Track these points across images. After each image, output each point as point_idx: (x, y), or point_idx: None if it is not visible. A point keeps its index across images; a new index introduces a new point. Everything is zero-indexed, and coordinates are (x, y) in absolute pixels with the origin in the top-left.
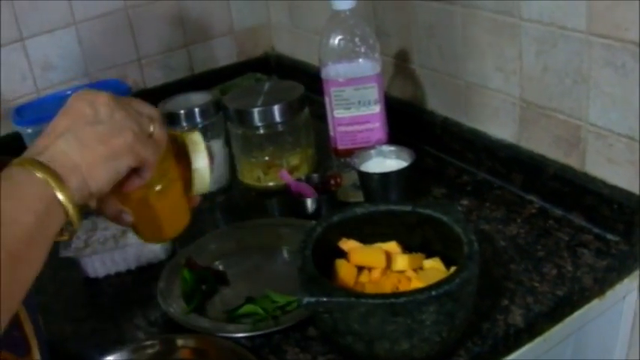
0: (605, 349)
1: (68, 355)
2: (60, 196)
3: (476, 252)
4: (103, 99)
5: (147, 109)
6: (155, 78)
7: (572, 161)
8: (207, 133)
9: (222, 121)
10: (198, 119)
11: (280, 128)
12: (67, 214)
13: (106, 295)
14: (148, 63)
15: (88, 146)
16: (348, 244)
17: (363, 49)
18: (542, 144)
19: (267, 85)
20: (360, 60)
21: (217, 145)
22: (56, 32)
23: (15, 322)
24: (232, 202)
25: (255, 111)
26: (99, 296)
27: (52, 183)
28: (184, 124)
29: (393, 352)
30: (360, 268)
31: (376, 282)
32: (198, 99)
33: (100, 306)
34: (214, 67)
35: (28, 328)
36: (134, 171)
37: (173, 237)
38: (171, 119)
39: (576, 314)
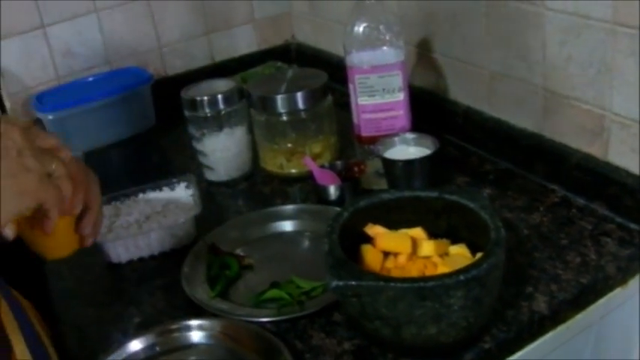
0: (627, 338)
1: (91, 339)
2: None
3: (503, 238)
4: (13, 133)
5: (50, 142)
6: (176, 66)
7: (595, 150)
8: (230, 120)
9: (246, 108)
10: (222, 106)
11: (303, 115)
12: None
13: (129, 280)
14: (168, 51)
15: None
16: (374, 230)
17: (387, 37)
18: (565, 133)
19: (290, 73)
20: (385, 48)
21: (240, 131)
22: (77, 20)
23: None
24: (255, 189)
25: (279, 98)
26: (122, 281)
27: None
28: (207, 110)
29: (420, 337)
30: (386, 254)
31: (402, 267)
32: (221, 86)
33: (124, 291)
34: (235, 55)
35: (10, 327)
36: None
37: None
38: (193, 106)
39: (599, 302)
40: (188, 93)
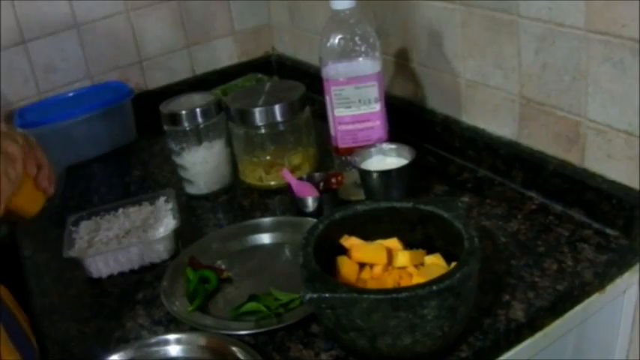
0: (606, 344)
1: (73, 354)
2: None
3: (477, 247)
4: None
5: (11, 147)
6: (157, 79)
7: (572, 157)
8: (208, 133)
9: (224, 122)
10: (200, 119)
11: (282, 128)
12: None
13: (109, 295)
14: (149, 65)
15: None
16: (349, 241)
17: (363, 48)
18: (542, 140)
19: (268, 85)
20: (361, 59)
21: (219, 145)
22: (58, 35)
23: None
24: (235, 202)
25: (257, 111)
26: (103, 296)
27: None
28: (186, 124)
29: (396, 347)
30: (362, 265)
31: (378, 278)
32: (199, 99)
33: (104, 306)
34: (216, 67)
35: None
36: None
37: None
38: (172, 120)
39: (577, 309)
40: (167, 107)
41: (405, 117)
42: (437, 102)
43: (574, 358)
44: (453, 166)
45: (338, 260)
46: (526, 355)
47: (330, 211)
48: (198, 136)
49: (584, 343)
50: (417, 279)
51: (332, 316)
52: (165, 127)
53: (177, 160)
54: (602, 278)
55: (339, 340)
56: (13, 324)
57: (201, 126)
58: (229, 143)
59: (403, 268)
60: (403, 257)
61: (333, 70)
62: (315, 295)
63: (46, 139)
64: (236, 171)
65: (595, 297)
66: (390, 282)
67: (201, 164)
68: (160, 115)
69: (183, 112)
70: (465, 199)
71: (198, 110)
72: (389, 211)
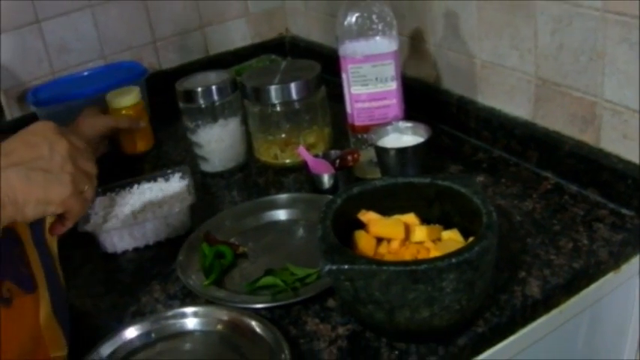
0: (620, 323)
1: (89, 328)
2: None
3: (495, 222)
4: (62, 147)
5: (89, 166)
6: (170, 60)
7: (588, 138)
8: (224, 111)
9: (239, 100)
10: (215, 97)
11: (297, 106)
12: None
13: (125, 270)
14: (163, 45)
15: (32, 187)
16: (367, 216)
17: (380, 27)
18: (557, 121)
19: (283, 64)
20: (378, 37)
21: (234, 123)
22: (72, 15)
23: (22, 259)
24: (249, 180)
25: (272, 89)
26: (118, 271)
27: None
28: (201, 101)
29: (414, 321)
30: (379, 240)
31: (395, 253)
32: (215, 77)
33: (120, 281)
34: (229, 48)
35: (37, 269)
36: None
37: None
38: (188, 98)
39: (592, 287)
40: (182, 85)
41: (420, 98)
42: (452, 83)
43: (588, 336)
44: (467, 147)
45: (355, 235)
46: (541, 332)
47: (348, 186)
48: (214, 114)
49: (598, 321)
50: (435, 254)
51: (350, 289)
52: (181, 105)
53: (192, 137)
54: (618, 257)
55: (357, 313)
56: (26, 276)
57: (217, 104)
58: (244, 121)
59: (420, 243)
60: (420, 232)
61: (349, 49)
62: (334, 267)
63: (59, 118)
64: (251, 149)
65: (610, 276)
66: (407, 257)
67: (216, 142)
68: (173, 95)
69: (199, 89)
70: (480, 178)
71: (213, 88)
72: (406, 186)
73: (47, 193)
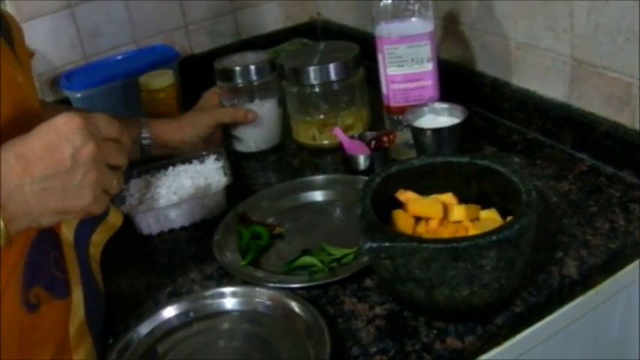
0: None
1: (126, 309)
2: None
3: (534, 200)
4: (86, 152)
5: (119, 160)
6: (202, 44)
7: (624, 119)
8: (260, 91)
9: (277, 80)
10: (254, 77)
11: (336, 87)
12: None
13: (160, 251)
14: (195, 29)
15: (49, 199)
16: (405, 195)
17: (416, 7)
18: (593, 102)
19: (322, 45)
20: (413, 19)
21: (271, 103)
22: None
23: (58, 264)
24: (284, 161)
25: (311, 69)
26: (154, 253)
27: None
28: (239, 80)
29: (453, 299)
30: (418, 219)
31: (434, 232)
32: (253, 57)
33: (155, 262)
34: (261, 32)
35: (73, 273)
36: None
37: None
38: (226, 76)
39: (628, 268)
40: (221, 63)
41: (454, 80)
42: (486, 64)
43: (624, 317)
44: (502, 128)
45: (394, 214)
46: (578, 312)
47: (387, 166)
48: (251, 93)
49: (634, 303)
50: (473, 233)
51: (390, 267)
52: (219, 83)
53: None
54: None
55: (396, 292)
56: (60, 281)
57: (255, 83)
58: (281, 102)
59: (459, 222)
60: (459, 211)
61: (385, 30)
62: (374, 244)
63: (92, 102)
64: (287, 130)
65: None
66: (445, 236)
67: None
68: (205, 78)
69: (237, 68)
70: (516, 160)
71: (252, 67)
72: (444, 165)
73: (65, 204)
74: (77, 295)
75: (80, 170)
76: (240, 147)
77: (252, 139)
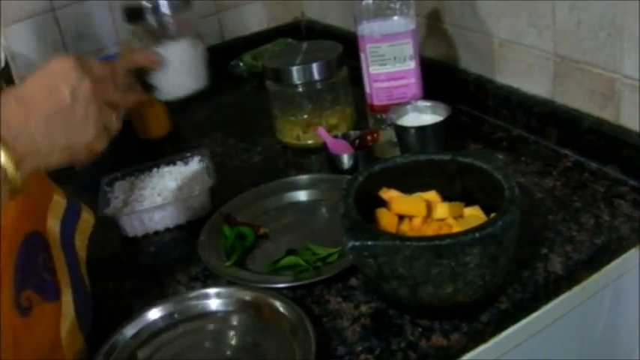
0: None
1: (111, 311)
2: (10, 171)
3: (517, 197)
4: (85, 88)
5: (115, 96)
6: None
7: (607, 114)
8: (172, 32)
9: (195, 18)
10: (164, 14)
11: (319, 86)
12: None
13: (146, 253)
14: None
15: (55, 137)
16: (388, 194)
17: (397, 6)
18: (576, 98)
19: (305, 45)
20: (395, 17)
21: (184, 44)
22: (87, 1)
23: (47, 266)
24: (269, 161)
25: (294, 69)
26: (139, 255)
27: (9, 163)
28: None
29: (437, 296)
30: (401, 217)
31: (417, 230)
32: None
33: (141, 264)
34: (245, 33)
35: (62, 275)
36: None
37: None
38: (133, 16)
39: (614, 263)
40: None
41: (438, 78)
42: (470, 62)
43: (611, 313)
44: (486, 126)
45: (377, 212)
46: (564, 309)
47: (370, 164)
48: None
49: (621, 299)
50: (457, 231)
51: (374, 265)
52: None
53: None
54: (639, 233)
55: (380, 290)
56: (50, 284)
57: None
58: (198, 42)
59: (442, 220)
60: (442, 209)
61: (367, 28)
62: (357, 243)
63: None
64: (273, 131)
65: (632, 252)
66: (429, 234)
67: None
68: None
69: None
70: (500, 157)
71: (162, 3)
72: (428, 163)
73: (70, 140)
74: (67, 297)
75: (80, 106)
76: (160, 96)
77: (170, 84)
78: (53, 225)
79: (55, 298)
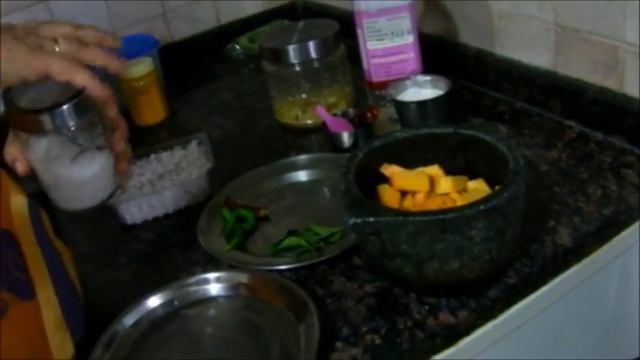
0: None
1: (111, 300)
2: None
3: (522, 167)
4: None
5: (80, 75)
6: (182, 31)
7: (611, 83)
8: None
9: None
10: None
11: (316, 65)
12: None
13: (145, 240)
14: (173, 16)
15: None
16: (390, 170)
17: None
18: (579, 68)
19: (301, 24)
20: None
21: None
22: None
23: (17, 263)
24: (269, 143)
25: (291, 48)
26: (138, 242)
27: None
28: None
29: (443, 272)
30: (404, 193)
31: (421, 205)
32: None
33: (141, 251)
34: (241, 16)
35: (38, 272)
36: None
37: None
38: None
39: (623, 234)
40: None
41: (438, 53)
42: (469, 36)
43: (621, 285)
44: (488, 100)
45: (379, 189)
46: (574, 282)
47: (370, 140)
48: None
49: (631, 270)
50: (461, 204)
51: (377, 242)
52: None
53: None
54: None
55: (384, 268)
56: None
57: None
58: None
59: (446, 194)
60: (446, 183)
61: (364, 4)
62: (359, 220)
63: None
64: (272, 112)
65: None
66: (433, 208)
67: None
68: (186, 65)
69: None
70: (503, 130)
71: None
72: (429, 137)
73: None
74: (48, 293)
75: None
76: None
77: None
78: (22, 221)
79: (29, 295)
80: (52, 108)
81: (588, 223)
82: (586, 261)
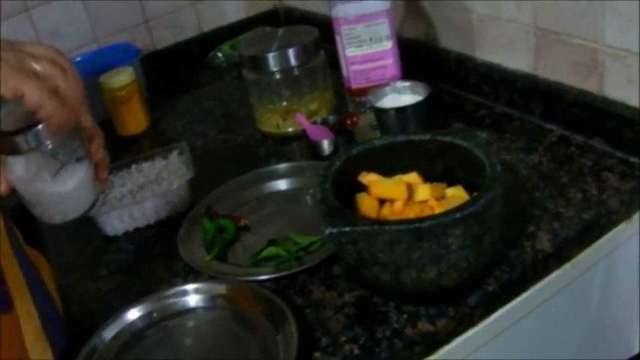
0: (636, 276)
1: (92, 312)
2: None
3: (499, 173)
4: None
5: (35, 50)
6: (164, 39)
7: (591, 86)
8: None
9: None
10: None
11: (297, 72)
12: None
13: (126, 251)
14: (155, 24)
15: None
16: (368, 178)
17: None
18: (559, 71)
19: (280, 31)
20: None
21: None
22: (62, 0)
23: None
24: (250, 151)
25: (270, 56)
26: (120, 253)
27: None
28: None
29: (421, 281)
30: (382, 201)
31: (399, 213)
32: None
33: (122, 262)
34: (223, 23)
35: (16, 284)
36: None
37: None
38: None
39: (604, 238)
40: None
41: (418, 58)
42: (449, 40)
43: (603, 290)
44: (469, 104)
45: (357, 197)
46: (555, 287)
47: (347, 148)
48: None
49: (613, 275)
50: (439, 212)
51: (354, 252)
52: None
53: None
54: (629, 206)
55: (362, 277)
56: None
57: None
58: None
59: (424, 202)
60: (424, 191)
61: (342, 10)
62: (335, 230)
63: None
64: (253, 120)
65: (622, 226)
66: (411, 216)
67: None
68: (169, 74)
69: None
70: (484, 135)
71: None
72: (407, 144)
73: None
74: (26, 305)
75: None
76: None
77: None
78: None
79: (7, 308)
80: (27, 129)
81: (568, 228)
82: (567, 266)
